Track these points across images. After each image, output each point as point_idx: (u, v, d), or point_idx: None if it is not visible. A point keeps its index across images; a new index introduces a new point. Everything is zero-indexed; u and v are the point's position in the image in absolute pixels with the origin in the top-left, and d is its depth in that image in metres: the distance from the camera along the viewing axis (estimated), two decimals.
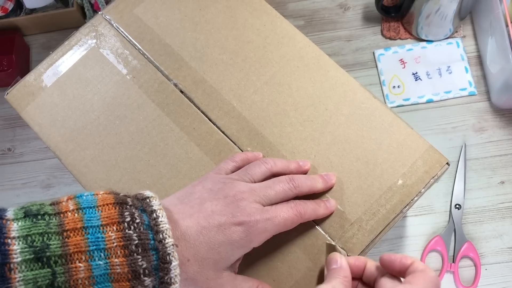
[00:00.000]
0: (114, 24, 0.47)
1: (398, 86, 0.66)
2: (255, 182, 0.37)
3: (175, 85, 0.44)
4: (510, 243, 0.58)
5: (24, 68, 0.70)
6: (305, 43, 0.45)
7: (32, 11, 0.71)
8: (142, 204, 0.31)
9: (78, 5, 0.69)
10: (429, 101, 0.65)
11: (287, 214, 0.35)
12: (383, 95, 0.66)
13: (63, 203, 0.30)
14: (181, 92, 0.44)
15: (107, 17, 0.47)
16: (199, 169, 0.42)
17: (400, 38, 0.68)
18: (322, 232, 0.39)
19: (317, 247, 0.38)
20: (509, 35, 0.57)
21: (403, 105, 0.65)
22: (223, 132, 0.43)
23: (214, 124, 0.43)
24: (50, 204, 0.30)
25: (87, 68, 0.46)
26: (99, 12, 0.48)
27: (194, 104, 0.44)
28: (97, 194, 0.31)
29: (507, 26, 0.57)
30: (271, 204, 0.36)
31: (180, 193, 0.36)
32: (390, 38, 0.68)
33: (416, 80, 0.66)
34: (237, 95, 0.44)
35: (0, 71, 0.66)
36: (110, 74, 0.45)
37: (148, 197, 0.32)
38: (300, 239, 0.39)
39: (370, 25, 0.70)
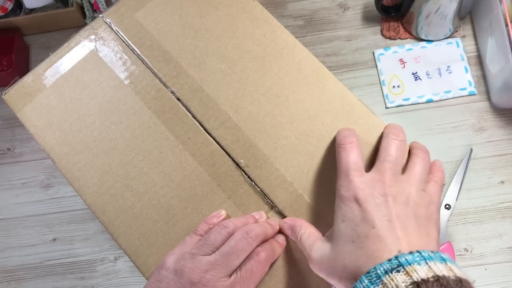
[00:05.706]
0: (114, 28, 0.47)
1: (398, 86, 0.65)
2: (216, 249, 0.37)
3: (172, 92, 0.44)
4: (510, 243, 0.58)
5: (23, 68, 0.70)
6: (304, 55, 0.45)
7: (32, 11, 0.71)
8: None
9: (77, 5, 0.69)
10: (429, 101, 0.65)
11: (257, 276, 0.36)
12: (383, 95, 0.65)
13: None
14: (178, 100, 0.44)
15: (107, 20, 0.47)
16: (192, 179, 0.42)
17: (400, 38, 0.68)
18: None
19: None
20: (509, 35, 0.56)
21: (402, 105, 0.65)
22: (218, 143, 0.42)
23: (210, 134, 0.43)
24: None
25: (85, 71, 0.46)
26: (100, 15, 0.48)
27: (190, 113, 0.43)
28: None
29: (507, 26, 0.57)
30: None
31: (151, 281, 0.37)
32: (390, 38, 0.68)
33: (416, 80, 0.66)
34: (234, 105, 0.43)
35: (0, 71, 0.66)
36: (108, 79, 0.45)
37: None
38: (287, 254, 0.38)
39: (370, 25, 0.69)
